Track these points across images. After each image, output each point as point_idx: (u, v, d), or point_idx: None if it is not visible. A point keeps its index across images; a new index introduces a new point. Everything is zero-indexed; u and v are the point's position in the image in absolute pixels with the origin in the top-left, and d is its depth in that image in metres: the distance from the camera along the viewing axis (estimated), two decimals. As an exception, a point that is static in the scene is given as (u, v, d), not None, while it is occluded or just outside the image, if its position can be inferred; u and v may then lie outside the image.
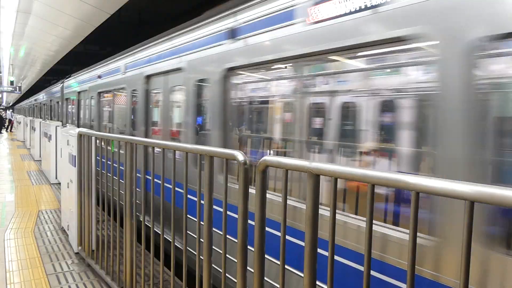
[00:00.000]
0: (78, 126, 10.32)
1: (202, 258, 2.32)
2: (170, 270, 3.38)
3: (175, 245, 2.73)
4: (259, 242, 1.89)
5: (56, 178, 9.32)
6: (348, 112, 3.00)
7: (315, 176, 1.64)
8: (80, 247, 4.56)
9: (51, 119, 16.70)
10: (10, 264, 4.32)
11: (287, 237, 2.00)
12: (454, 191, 1.15)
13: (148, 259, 4.14)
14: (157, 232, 4.66)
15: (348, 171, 1.50)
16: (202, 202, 2.36)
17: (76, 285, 3.85)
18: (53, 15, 9.74)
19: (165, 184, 3.08)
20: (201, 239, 2.40)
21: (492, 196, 1.06)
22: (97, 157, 4.16)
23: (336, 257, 2.54)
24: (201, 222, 2.36)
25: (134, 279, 3.27)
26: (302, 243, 1.80)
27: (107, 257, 3.79)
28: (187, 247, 2.59)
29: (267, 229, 1.93)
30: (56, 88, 16.16)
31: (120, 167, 3.51)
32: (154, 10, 9.94)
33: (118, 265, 3.55)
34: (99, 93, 8.81)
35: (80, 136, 4.31)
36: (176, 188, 2.68)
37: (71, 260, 4.50)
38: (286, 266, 1.88)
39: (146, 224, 4.74)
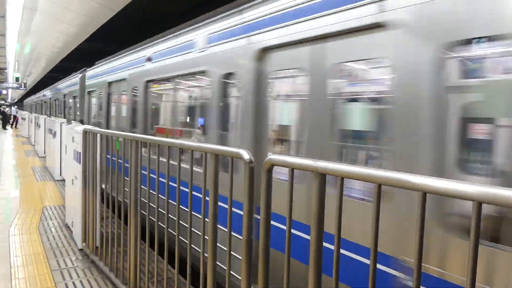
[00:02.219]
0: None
1: (207, 255, 2.33)
2: (174, 268, 3.40)
3: (179, 243, 2.74)
4: (264, 241, 1.89)
5: (60, 174, 9.36)
6: None
7: (321, 176, 1.64)
8: (84, 244, 4.59)
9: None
10: (15, 260, 4.35)
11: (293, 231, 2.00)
12: (461, 192, 1.14)
13: (152, 256, 4.16)
14: (161, 230, 4.66)
15: (355, 170, 1.50)
16: (207, 198, 2.36)
17: (80, 281, 3.87)
18: (59, 12, 9.77)
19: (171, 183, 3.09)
20: (205, 236, 2.40)
21: (499, 197, 1.06)
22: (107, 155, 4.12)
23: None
24: (206, 219, 2.37)
25: (138, 276, 3.28)
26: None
27: (111, 254, 3.81)
28: (192, 245, 2.60)
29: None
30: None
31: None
32: (158, 8, 9.94)
33: (122, 262, 3.56)
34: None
35: (85, 133, 4.33)
36: (182, 187, 2.68)
37: (75, 256, 4.52)
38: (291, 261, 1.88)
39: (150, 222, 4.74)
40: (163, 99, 6.25)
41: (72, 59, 17.50)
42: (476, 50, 2.11)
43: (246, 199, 2.01)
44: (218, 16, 4.25)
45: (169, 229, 2.80)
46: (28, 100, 33.74)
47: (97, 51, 15.77)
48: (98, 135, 4.13)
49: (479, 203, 1.13)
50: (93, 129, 4.26)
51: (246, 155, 1.99)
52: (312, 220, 1.67)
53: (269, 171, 1.86)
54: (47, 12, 9.92)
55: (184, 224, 2.78)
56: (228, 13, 4.09)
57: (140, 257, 3.28)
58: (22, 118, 26.84)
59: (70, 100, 13.27)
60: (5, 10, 10.30)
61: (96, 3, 8.05)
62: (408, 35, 2.31)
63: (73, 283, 3.83)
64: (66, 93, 14.21)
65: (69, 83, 13.44)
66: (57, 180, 9.36)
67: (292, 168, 1.76)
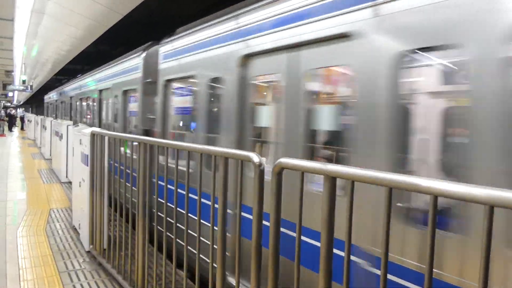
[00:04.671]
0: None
1: (216, 265, 2.33)
2: (182, 271, 3.41)
3: (188, 247, 2.75)
4: (273, 245, 1.89)
5: (66, 177, 9.43)
6: None
7: (331, 179, 1.65)
8: (91, 246, 4.61)
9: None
10: (23, 261, 4.38)
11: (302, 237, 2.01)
12: (472, 195, 1.14)
13: (159, 259, 4.18)
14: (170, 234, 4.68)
15: (365, 174, 1.51)
16: (216, 206, 2.37)
17: (88, 283, 3.89)
18: (66, 15, 9.87)
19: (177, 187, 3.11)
20: (214, 246, 2.41)
21: (511, 201, 1.06)
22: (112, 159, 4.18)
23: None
24: (215, 227, 2.37)
25: (146, 279, 3.30)
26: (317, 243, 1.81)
27: (118, 256, 3.83)
28: (200, 248, 2.61)
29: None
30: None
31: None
32: (166, 11, 10.01)
33: (129, 264, 3.58)
34: None
35: (93, 135, 4.36)
36: (191, 195, 2.70)
37: (83, 258, 4.55)
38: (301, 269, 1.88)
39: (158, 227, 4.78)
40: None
41: (79, 62, 17.63)
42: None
43: (256, 203, 2.01)
44: (106, 67, 8.66)
45: (177, 233, 2.82)
46: (51, 95, 23.00)
47: (103, 54, 15.89)
48: (106, 138, 4.16)
49: (490, 207, 1.13)
50: (101, 132, 4.30)
51: (256, 158, 2.00)
52: (322, 224, 1.67)
53: (279, 174, 1.87)
54: (55, 15, 10.02)
55: (192, 233, 2.78)
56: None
57: (148, 260, 3.30)
58: (28, 120, 27.07)
59: (115, 98, 8.16)
60: (14, 14, 10.42)
61: (103, 7, 8.13)
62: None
63: (81, 285, 3.85)
64: (105, 87, 8.94)
65: (114, 71, 8.30)
66: (63, 182, 9.42)
67: (302, 172, 1.78)
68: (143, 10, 8.44)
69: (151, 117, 6.00)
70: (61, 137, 9.65)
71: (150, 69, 6.05)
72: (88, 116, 11.48)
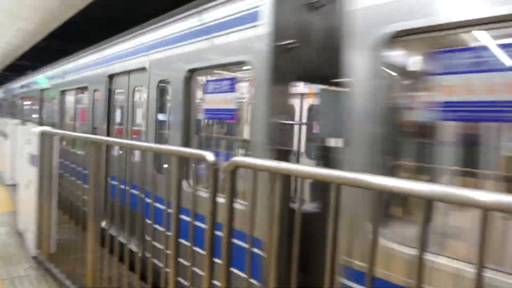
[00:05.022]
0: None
1: (168, 270, 2.28)
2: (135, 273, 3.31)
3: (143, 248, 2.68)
4: (226, 247, 1.88)
5: (11, 179, 8.83)
6: None
7: (285, 177, 1.68)
8: (38, 251, 4.36)
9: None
10: (-41, 269, 4.06)
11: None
12: (415, 190, 1.21)
13: (112, 262, 4.03)
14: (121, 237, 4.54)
15: (315, 172, 1.56)
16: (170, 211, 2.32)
17: (33, 290, 3.68)
18: (16, 8, 9.31)
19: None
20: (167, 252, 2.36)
21: (450, 196, 1.13)
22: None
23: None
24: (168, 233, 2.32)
25: (98, 282, 3.17)
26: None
27: (68, 260, 3.65)
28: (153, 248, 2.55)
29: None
30: None
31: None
32: (123, 8, 9.74)
33: (80, 268, 3.43)
34: None
35: (43, 134, 4.14)
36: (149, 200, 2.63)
37: (28, 264, 4.28)
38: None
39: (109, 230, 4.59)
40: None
41: (29, 58, 16.70)
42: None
43: (210, 203, 2.00)
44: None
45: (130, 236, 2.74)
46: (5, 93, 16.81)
47: (56, 50, 15.16)
48: (56, 137, 3.97)
49: (428, 202, 1.21)
50: (50, 131, 4.09)
51: (210, 156, 1.99)
52: (274, 223, 1.70)
53: (233, 172, 1.87)
54: (4, 7, 9.42)
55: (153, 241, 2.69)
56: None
57: (99, 263, 3.17)
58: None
59: (153, 88, 4.49)
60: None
61: (57, 0, 7.76)
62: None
63: (25, 292, 3.63)
64: (126, 70, 5.39)
65: (153, 39, 4.60)
66: (8, 185, 8.83)
67: (256, 170, 1.79)
68: (99, 5, 8.15)
69: (289, 123, 3.16)
70: (6, 136, 9.05)
71: (293, 19, 2.92)
72: (79, 120, 7.53)
